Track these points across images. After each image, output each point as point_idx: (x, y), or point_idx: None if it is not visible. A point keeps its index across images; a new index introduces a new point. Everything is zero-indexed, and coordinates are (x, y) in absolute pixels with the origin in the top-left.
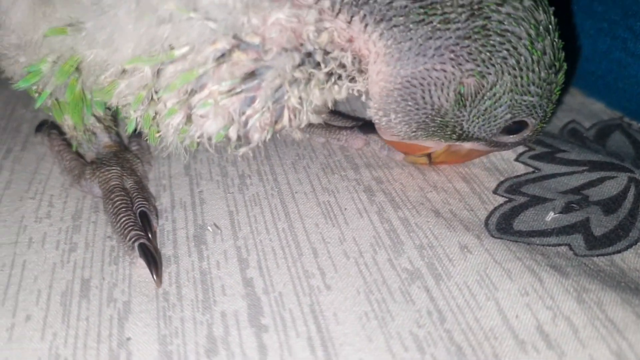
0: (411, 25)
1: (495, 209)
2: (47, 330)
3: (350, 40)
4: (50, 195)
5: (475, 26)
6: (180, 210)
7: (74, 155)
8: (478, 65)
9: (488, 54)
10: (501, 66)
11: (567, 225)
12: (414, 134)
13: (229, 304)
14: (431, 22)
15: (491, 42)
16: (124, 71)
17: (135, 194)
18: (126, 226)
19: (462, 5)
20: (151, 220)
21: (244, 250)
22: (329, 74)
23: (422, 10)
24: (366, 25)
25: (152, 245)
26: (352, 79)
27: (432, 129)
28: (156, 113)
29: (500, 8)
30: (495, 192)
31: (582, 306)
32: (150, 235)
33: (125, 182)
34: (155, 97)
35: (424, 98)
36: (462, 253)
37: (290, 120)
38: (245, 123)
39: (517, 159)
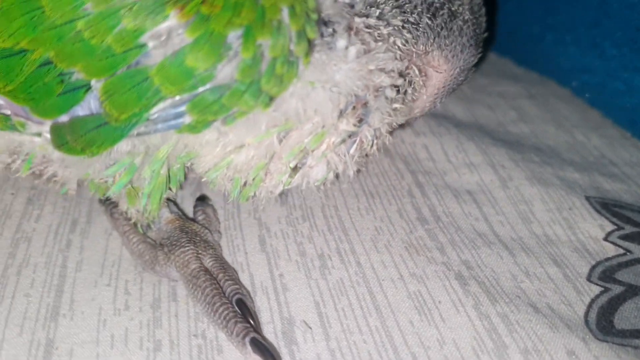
0: (449, 33)
1: (593, 301)
2: None
3: (414, 58)
4: (125, 280)
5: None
6: (263, 298)
7: (141, 236)
8: None
9: None
10: None
11: None
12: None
13: None
14: (453, 28)
15: None
16: (241, 146)
17: (220, 274)
18: (227, 317)
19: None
20: (250, 307)
21: (338, 353)
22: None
23: (453, 20)
24: (431, 46)
25: (263, 338)
26: (414, 87)
27: None
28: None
29: None
30: (589, 279)
31: None
32: (253, 322)
33: (204, 260)
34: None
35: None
36: None
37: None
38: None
39: (606, 239)
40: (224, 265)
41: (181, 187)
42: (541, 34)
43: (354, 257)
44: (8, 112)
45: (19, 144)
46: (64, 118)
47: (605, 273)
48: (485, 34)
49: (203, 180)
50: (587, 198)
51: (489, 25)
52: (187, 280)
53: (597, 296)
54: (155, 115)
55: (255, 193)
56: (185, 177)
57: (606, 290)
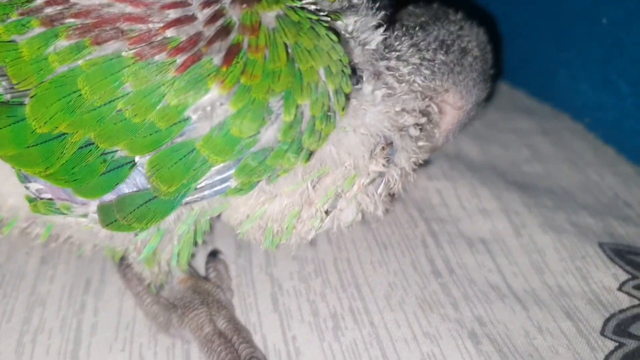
0: (462, 69)
1: (607, 357)
2: None
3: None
4: (140, 343)
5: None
6: None
7: (154, 297)
8: None
9: None
10: None
11: None
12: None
13: None
14: (464, 64)
15: None
16: (275, 195)
17: (234, 337)
18: None
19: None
20: None
21: None
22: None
23: (464, 57)
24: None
25: None
26: (433, 124)
27: None
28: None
29: None
30: (602, 333)
31: None
32: None
33: (217, 322)
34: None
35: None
36: None
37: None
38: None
39: (620, 289)
40: (238, 327)
41: None
42: (554, 69)
43: (367, 316)
44: (49, 195)
45: None
46: (110, 196)
47: (619, 327)
48: (492, 71)
49: (237, 232)
50: (601, 245)
51: (496, 59)
52: (201, 344)
53: (612, 352)
54: (203, 184)
55: (286, 240)
56: (211, 228)
57: (620, 345)
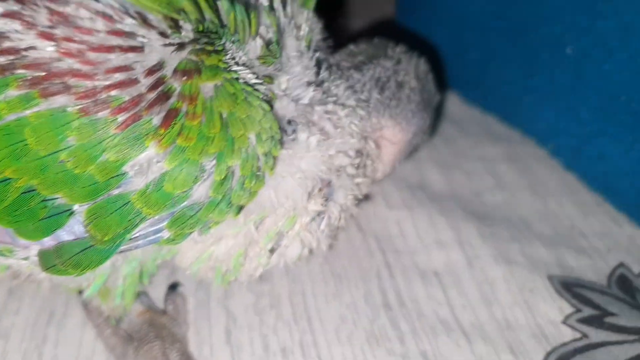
0: (399, 102)
1: None
2: None
3: (369, 133)
4: None
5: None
6: None
7: (113, 329)
8: None
9: None
10: None
11: None
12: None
13: None
14: (401, 98)
15: None
16: (220, 238)
17: None
18: None
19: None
20: None
21: None
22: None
23: (401, 90)
24: (382, 117)
25: None
26: (372, 160)
27: None
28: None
29: None
30: None
31: None
32: None
33: (170, 356)
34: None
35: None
36: None
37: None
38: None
39: (564, 322)
40: None
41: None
42: (521, 95)
43: (316, 350)
44: None
45: None
46: (49, 241)
47: None
48: (438, 97)
49: (187, 272)
50: (550, 278)
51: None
52: None
53: None
54: (137, 234)
55: (236, 277)
56: (157, 269)
57: None
